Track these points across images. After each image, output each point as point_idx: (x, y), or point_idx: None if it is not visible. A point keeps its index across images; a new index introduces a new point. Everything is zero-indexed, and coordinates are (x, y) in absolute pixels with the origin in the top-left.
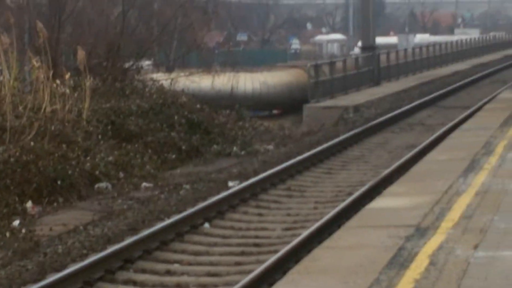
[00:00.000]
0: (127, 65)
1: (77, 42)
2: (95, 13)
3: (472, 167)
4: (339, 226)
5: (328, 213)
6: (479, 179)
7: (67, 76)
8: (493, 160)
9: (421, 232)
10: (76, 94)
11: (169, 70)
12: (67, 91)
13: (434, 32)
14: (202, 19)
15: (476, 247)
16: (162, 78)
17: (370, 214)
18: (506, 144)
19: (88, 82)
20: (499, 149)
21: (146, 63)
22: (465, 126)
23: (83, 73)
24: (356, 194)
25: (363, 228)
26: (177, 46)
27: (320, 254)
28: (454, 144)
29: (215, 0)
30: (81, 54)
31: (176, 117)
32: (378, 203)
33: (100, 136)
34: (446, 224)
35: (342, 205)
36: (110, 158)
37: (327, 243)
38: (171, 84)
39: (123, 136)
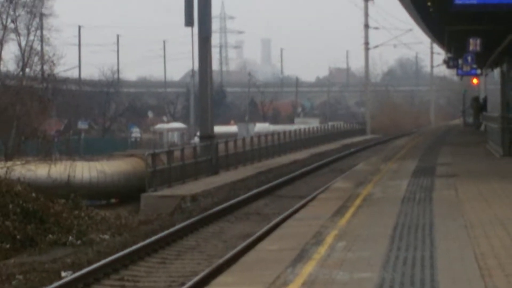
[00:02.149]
0: None
1: None
2: None
3: (301, 257)
4: None
5: None
6: (307, 269)
7: None
8: (322, 250)
9: None
10: None
11: (8, 158)
12: None
13: (274, 121)
14: (39, 107)
15: None
16: None
17: None
18: (337, 234)
19: None
20: (329, 239)
21: None
22: (298, 215)
23: None
24: (188, 284)
25: None
26: (16, 133)
27: None
28: (285, 233)
29: (54, 88)
30: None
31: (10, 206)
32: None
33: None
34: None
35: None
36: None
37: None
38: (6, 172)
39: None
